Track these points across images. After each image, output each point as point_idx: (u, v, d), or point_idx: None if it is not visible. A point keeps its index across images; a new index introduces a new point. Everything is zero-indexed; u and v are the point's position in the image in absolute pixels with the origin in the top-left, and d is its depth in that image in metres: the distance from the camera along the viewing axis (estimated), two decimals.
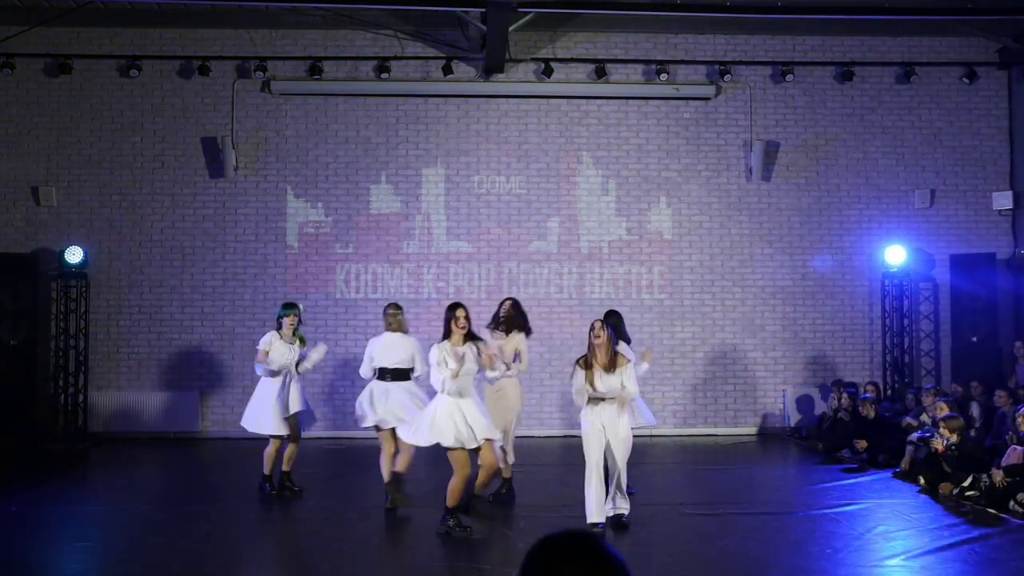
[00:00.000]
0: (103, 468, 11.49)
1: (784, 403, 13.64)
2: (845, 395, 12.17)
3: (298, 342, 9.08)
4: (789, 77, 13.71)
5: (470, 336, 7.44)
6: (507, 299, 9.26)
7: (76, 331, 12.93)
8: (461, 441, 7.20)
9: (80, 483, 10.94)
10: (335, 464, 11.32)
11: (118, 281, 13.31)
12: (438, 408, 7.28)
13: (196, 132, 13.49)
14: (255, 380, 13.08)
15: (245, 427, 9.23)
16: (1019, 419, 9.16)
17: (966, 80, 13.82)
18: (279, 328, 9.09)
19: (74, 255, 12.75)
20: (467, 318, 7.43)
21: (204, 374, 13.28)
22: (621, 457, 7.61)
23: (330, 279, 13.43)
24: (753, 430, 13.62)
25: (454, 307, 7.54)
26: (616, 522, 7.67)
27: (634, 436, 9.24)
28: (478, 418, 7.32)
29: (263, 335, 9.24)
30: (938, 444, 9.31)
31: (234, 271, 13.41)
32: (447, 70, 13.30)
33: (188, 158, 13.48)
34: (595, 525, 7.48)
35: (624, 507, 7.79)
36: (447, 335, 7.45)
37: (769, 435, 13.47)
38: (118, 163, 13.43)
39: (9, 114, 13.38)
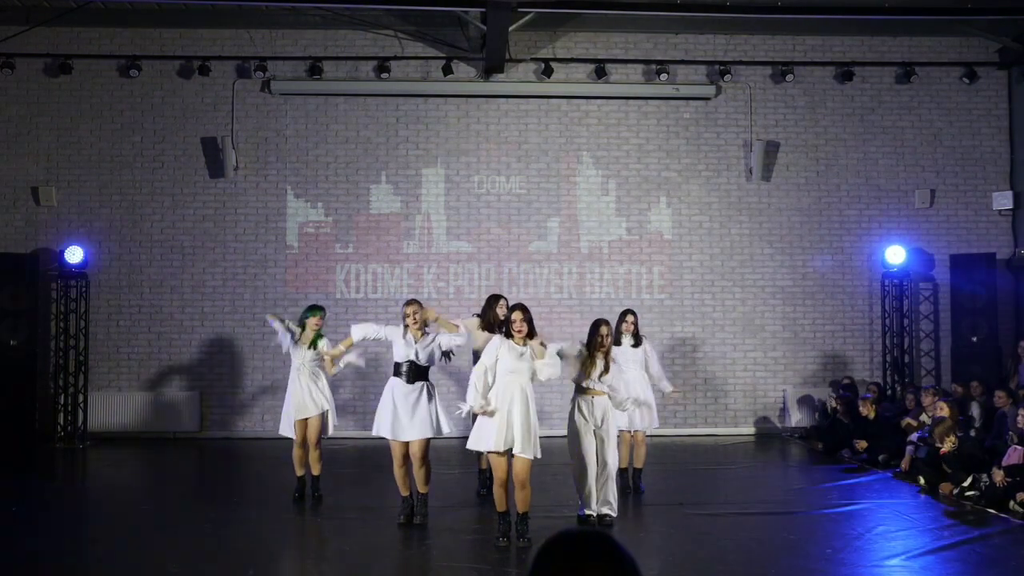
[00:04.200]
0: (103, 468, 11.50)
1: (784, 403, 13.64)
2: (839, 399, 12.20)
3: (311, 345, 8.90)
4: (789, 77, 13.71)
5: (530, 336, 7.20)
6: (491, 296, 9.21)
7: (76, 331, 12.93)
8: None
9: (80, 483, 10.94)
10: (336, 465, 11.29)
11: (118, 281, 13.32)
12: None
13: (196, 132, 13.49)
14: (255, 380, 13.22)
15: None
16: (1020, 419, 9.16)
17: (966, 80, 13.82)
18: (302, 328, 8.98)
19: (74, 255, 12.76)
20: (524, 320, 7.12)
21: (204, 374, 13.28)
22: (612, 454, 7.66)
23: (330, 279, 13.44)
24: (753, 430, 13.62)
25: (514, 307, 7.26)
26: (600, 522, 7.69)
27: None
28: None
29: (265, 336, 9.19)
30: (948, 445, 9.27)
31: (234, 271, 13.41)
32: (447, 70, 13.30)
33: (188, 158, 13.48)
34: (588, 517, 7.60)
35: (611, 511, 7.74)
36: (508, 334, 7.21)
37: (769, 435, 13.47)
38: (118, 163, 13.43)
39: (9, 114, 13.39)
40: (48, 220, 13.34)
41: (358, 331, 7.99)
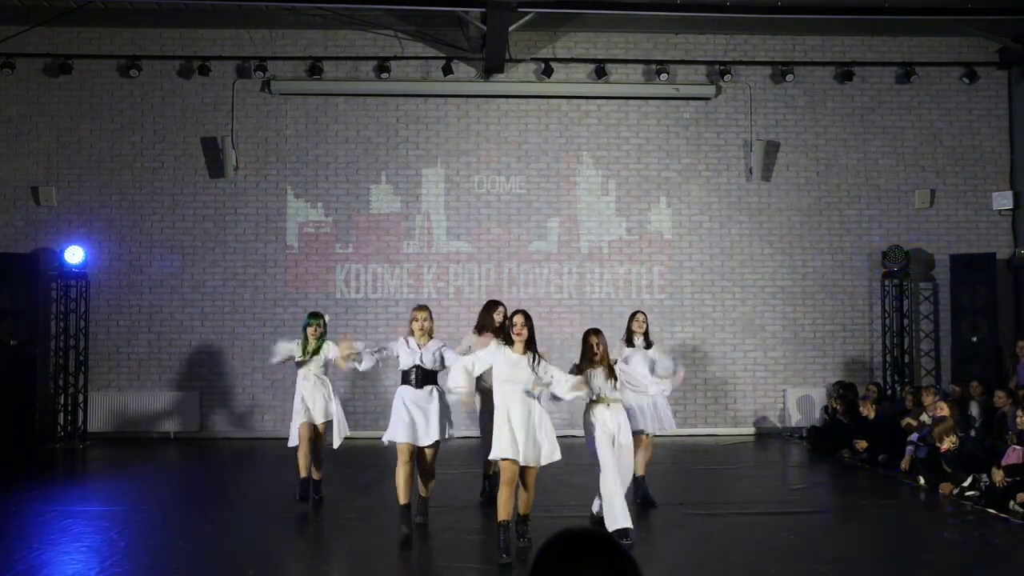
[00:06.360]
0: (103, 468, 11.49)
1: (784, 403, 13.64)
2: (839, 399, 12.19)
3: (315, 352, 8.82)
4: (789, 77, 13.72)
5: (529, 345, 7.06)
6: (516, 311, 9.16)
7: (76, 331, 12.94)
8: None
9: (80, 483, 10.94)
10: (337, 465, 11.29)
11: (118, 281, 13.32)
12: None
13: (196, 132, 13.50)
14: (255, 380, 13.22)
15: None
16: (1020, 419, 9.16)
17: (966, 80, 13.83)
18: (304, 338, 8.90)
19: (74, 255, 12.76)
20: (525, 325, 7.01)
21: (204, 374, 13.28)
22: (628, 463, 7.51)
23: (330, 279, 13.44)
24: (753, 430, 13.62)
25: (514, 313, 7.14)
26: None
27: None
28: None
29: (265, 336, 9.14)
30: (949, 444, 9.26)
31: (234, 271, 13.41)
32: (447, 70, 13.31)
33: (188, 158, 13.48)
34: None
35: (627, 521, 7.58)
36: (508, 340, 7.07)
37: (769, 435, 13.47)
38: (118, 163, 13.44)
39: (9, 114, 13.39)
40: (48, 220, 13.34)
41: (369, 361, 7.93)
